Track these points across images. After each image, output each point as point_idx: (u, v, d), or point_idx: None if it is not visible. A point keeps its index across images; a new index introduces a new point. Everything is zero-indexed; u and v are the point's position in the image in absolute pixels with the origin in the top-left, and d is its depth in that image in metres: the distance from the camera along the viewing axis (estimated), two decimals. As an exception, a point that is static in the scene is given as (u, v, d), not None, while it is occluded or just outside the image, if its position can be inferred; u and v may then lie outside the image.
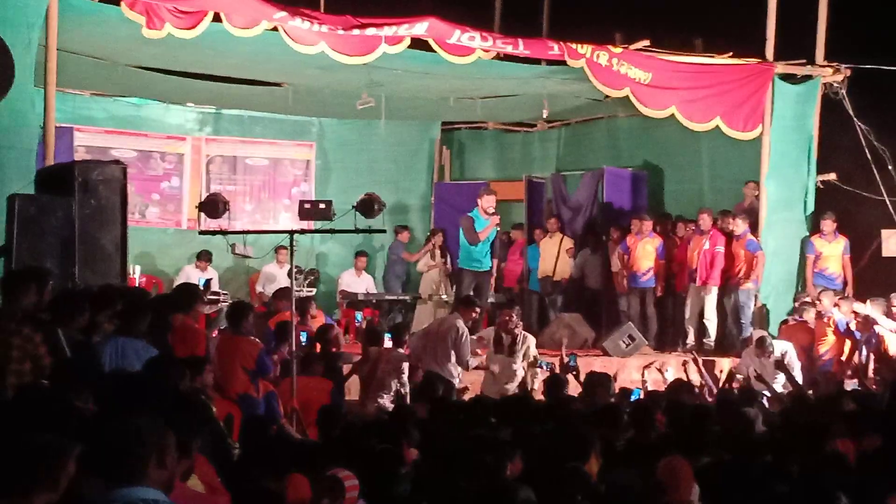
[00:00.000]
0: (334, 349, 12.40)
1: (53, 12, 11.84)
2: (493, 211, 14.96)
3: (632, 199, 17.96)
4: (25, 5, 11.64)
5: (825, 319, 14.88)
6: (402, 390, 11.98)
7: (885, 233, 16.48)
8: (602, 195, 17.81)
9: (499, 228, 15.27)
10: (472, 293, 14.47)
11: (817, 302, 15.14)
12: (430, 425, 8.78)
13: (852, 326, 14.71)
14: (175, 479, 4.57)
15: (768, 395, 12.73)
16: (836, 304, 14.97)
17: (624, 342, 15.44)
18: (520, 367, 12.72)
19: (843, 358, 14.74)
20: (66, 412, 5.62)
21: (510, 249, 18.49)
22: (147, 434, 4.28)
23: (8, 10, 11.51)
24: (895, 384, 11.38)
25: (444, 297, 16.98)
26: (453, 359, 12.46)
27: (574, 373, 12.40)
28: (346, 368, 12.54)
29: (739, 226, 15.71)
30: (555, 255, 17.73)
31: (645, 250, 16.43)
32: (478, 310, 13.20)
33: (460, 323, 12.57)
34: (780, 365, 13.53)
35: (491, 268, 15.45)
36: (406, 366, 12.17)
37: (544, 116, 17.41)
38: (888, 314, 14.76)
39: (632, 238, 16.59)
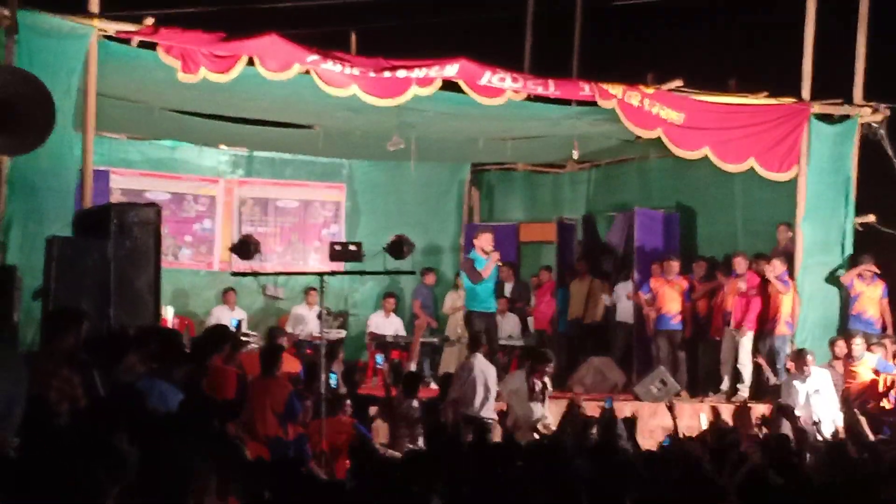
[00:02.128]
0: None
1: (93, 58, 12.12)
2: (492, 248, 14.90)
3: (664, 240, 17.86)
4: (65, 52, 11.96)
5: (850, 363, 14.77)
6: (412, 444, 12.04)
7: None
8: (634, 237, 17.74)
9: (500, 264, 15.20)
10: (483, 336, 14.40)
11: (848, 344, 15.00)
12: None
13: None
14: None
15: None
16: (870, 349, 14.88)
17: (656, 387, 15.34)
18: (546, 411, 12.76)
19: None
20: (106, 453, 5.61)
21: (540, 291, 18.44)
22: (189, 476, 4.27)
23: (49, 56, 11.83)
24: None
25: (469, 339, 16.95)
26: (480, 399, 12.52)
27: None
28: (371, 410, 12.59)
29: (777, 268, 15.50)
30: (584, 298, 17.67)
31: (672, 293, 16.33)
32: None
33: (474, 362, 12.71)
34: (783, 409, 13.27)
35: (496, 310, 15.50)
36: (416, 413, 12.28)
37: (575, 157, 17.35)
38: None
39: (658, 280, 16.53)
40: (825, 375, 14.29)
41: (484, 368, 12.86)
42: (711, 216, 18.21)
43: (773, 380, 15.27)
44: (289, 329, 17.26)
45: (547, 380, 12.99)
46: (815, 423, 13.22)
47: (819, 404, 13.98)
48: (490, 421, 12.49)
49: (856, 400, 14.46)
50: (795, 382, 14.21)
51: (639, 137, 15.73)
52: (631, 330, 17.36)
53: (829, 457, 10.32)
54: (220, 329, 11.88)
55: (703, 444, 10.94)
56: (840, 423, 13.73)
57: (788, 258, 15.83)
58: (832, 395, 14.18)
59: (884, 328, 15.71)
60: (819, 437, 12.68)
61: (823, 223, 15.92)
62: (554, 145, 17.69)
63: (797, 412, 13.33)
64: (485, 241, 14.93)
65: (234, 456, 6.77)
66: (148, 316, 10.74)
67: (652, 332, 16.58)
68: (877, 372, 14.69)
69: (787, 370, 14.80)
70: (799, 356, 14.22)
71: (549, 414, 12.71)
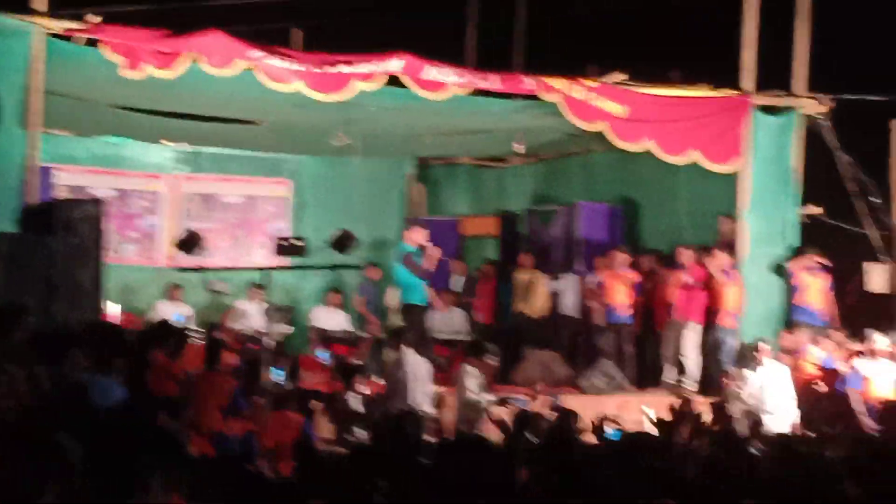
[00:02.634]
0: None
1: (38, 56, 12.15)
2: (429, 242, 14.98)
3: (608, 233, 17.96)
4: (10, 50, 12.12)
5: (797, 356, 14.93)
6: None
7: (867, 266, 16.44)
8: (578, 230, 17.83)
9: (440, 257, 15.28)
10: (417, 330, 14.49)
11: (790, 337, 15.17)
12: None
13: (839, 365, 14.72)
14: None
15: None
16: (816, 341, 15.04)
17: (600, 380, 15.42)
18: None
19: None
20: (51, 451, 5.61)
21: (483, 285, 18.47)
22: (132, 472, 4.28)
23: (-6, 54, 11.83)
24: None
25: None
26: (413, 393, 12.69)
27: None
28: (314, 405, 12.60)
29: (721, 259, 15.61)
30: (528, 291, 17.72)
31: (621, 286, 16.36)
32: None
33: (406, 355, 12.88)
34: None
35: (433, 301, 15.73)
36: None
37: (520, 152, 17.41)
38: (870, 353, 14.66)
39: (607, 273, 16.61)
40: (781, 369, 14.41)
41: (416, 362, 12.94)
42: (655, 209, 18.32)
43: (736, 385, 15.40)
44: (233, 324, 17.22)
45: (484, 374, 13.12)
46: (761, 417, 13.35)
47: (771, 397, 14.13)
48: (425, 414, 12.49)
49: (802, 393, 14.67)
50: (748, 373, 14.36)
51: (583, 131, 15.79)
52: (576, 323, 17.43)
53: (776, 451, 10.42)
54: (164, 324, 11.86)
55: (651, 437, 11.00)
56: (796, 418, 13.86)
57: (732, 250, 15.97)
58: (788, 389, 14.31)
59: (828, 320, 15.83)
60: (766, 430, 12.78)
61: (767, 215, 16.02)
62: (498, 140, 17.71)
63: (749, 403, 13.51)
64: (420, 235, 14.98)
65: (177, 451, 6.76)
66: (92, 311, 10.76)
67: (603, 325, 16.64)
68: (821, 368, 14.83)
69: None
70: (752, 347, 14.33)
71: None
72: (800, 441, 11.08)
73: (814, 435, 12.28)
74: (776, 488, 7.97)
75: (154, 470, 4.55)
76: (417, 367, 12.87)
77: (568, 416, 11.28)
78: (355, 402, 12.75)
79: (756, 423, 12.56)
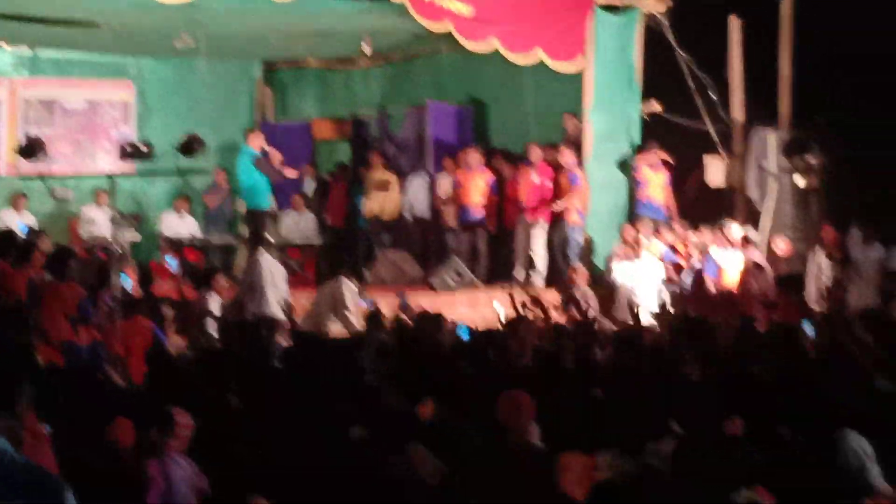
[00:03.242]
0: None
1: None
2: (269, 147, 14.96)
3: (458, 134, 18.00)
4: None
5: (642, 249, 15.25)
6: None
7: (707, 161, 16.74)
8: (428, 131, 17.84)
9: (283, 159, 15.26)
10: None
11: (635, 231, 15.49)
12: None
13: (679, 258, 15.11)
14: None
15: None
16: (657, 233, 15.40)
17: (451, 278, 15.57)
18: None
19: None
20: None
21: (335, 188, 18.43)
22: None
23: None
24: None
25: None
26: (266, 297, 12.73)
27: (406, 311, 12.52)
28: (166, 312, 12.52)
29: (567, 157, 15.82)
30: (382, 193, 17.72)
31: (476, 185, 16.47)
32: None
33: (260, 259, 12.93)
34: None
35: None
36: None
37: (367, 53, 17.28)
38: (721, 242, 15.07)
39: (461, 172, 16.67)
40: (652, 262, 14.74)
41: (270, 266, 12.91)
42: (503, 109, 18.36)
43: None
44: (80, 231, 16.92)
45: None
46: (636, 306, 13.69)
47: (641, 289, 14.47)
48: (278, 318, 12.51)
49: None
50: (616, 265, 14.67)
51: (430, 32, 15.72)
52: (427, 224, 17.53)
53: (623, 342, 10.70)
54: (7, 234, 11.61)
55: (499, 333, 11.17)
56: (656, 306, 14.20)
57: (577, 148, 16.15)
58: (657, 281, 14.65)
59: (669, 214, 16.18)
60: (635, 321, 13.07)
61: (611, 112, 16.22)
62: (345, 41, 17.57)
63: (623, 295, 13.88)
64: (261, 139, 14.92)
65: (25, 361, 6.66)
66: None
67: (455, 225, 16.76)
68: (662, 260, 15.22)
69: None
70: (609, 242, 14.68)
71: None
72: (647, 331, 11.41)
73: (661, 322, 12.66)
74: (619, 377, 8.22)
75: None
76: (271, 271, 12.84)
77: (419, 317, 11.42)
78: (209, 306, 12.66)
79: (632, 309, 12.91)
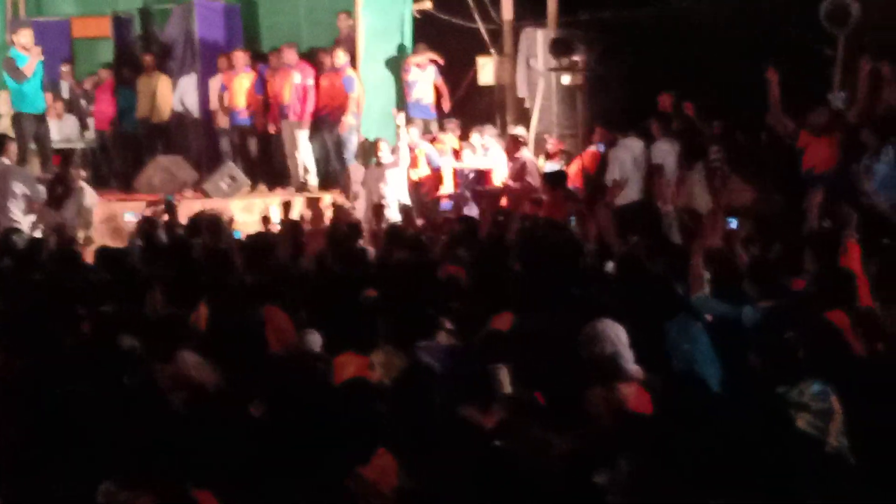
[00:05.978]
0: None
1: None
2: (33, 44, 14.42)
3: (226, 34, 17.55)
4: None
5: (415, 151, 15.31)
6: None
7: (480, 61, 16.88)
8: (195, 30, 17.36)
9: (42, 59, 14.67)
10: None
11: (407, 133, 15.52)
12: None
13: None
14: None
15: None
16: (440, 134, 15.53)
17: (225, 183, 15.38)
18: None
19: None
20: None
21: (99, 90, 17.75)
22: None
23: None
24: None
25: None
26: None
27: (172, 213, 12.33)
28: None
29: (340, 58, 15.61)
30: (151, 96, 17.22)
31: (241, 86, 16.17)
32: None
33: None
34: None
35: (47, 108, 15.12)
36: None
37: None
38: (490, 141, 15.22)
39: (227, 74, 16.37)
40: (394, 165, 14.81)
41: (13, 172, 12.65)
42: (273, 7, 18.04)
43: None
44: None
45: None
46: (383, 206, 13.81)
47: (391, 190, 14.54)
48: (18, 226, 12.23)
49: (416, 187, 15.14)
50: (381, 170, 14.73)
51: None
52: (199, 126, 17.17)
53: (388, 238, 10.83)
54: None
55: (272, 236, 11.16)
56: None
57: (352, 47, 16.04)
58: (400, 181, 14.75)
59: (439, 114, 16.27)
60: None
61: (383, 10, 16.17)
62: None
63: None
64: (24, 36, 14.37)
65: None
66: None
67: (226, 127, 16.50)
68: (428, 163, 15.31)
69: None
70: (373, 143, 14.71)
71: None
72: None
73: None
74: (386, 276, 8.35)
75: None
76: (18, 176, 12.56)
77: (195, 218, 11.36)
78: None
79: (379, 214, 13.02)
